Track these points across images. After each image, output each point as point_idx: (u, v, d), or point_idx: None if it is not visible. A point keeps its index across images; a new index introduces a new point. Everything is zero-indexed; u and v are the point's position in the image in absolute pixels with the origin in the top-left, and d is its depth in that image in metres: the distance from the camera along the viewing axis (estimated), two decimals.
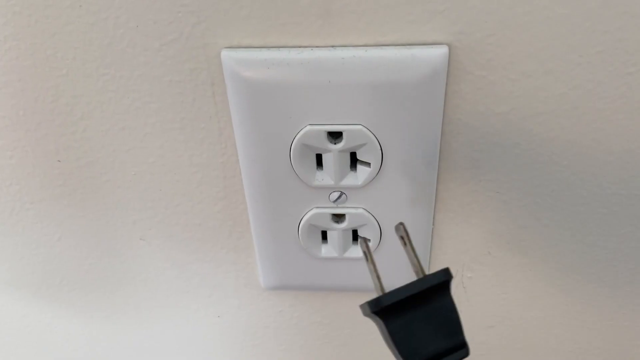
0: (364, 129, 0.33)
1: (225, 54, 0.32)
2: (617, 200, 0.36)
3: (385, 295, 0.26)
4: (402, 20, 0.30)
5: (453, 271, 0.41)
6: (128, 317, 0.47)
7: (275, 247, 0.40)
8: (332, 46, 0.31)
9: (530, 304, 0.42)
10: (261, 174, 0.36)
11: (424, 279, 0.26)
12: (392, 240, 0.38)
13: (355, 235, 0.39)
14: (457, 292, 0.42)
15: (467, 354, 0.26)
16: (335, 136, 0.34)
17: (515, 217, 0.37)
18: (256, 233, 0.39)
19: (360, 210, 0.36)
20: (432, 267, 0.41)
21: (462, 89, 0.32)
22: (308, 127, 0.33)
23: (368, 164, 0.34)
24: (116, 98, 0.35)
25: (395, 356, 0.26)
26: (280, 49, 0.32)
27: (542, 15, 0.29)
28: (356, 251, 0.39)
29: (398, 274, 0.40)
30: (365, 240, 0.31)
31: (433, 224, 0.38)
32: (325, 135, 0.33)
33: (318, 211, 0.37)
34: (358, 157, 0.34)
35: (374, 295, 0.43)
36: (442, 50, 0.30)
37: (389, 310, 0.26)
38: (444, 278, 0.26)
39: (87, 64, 0.34)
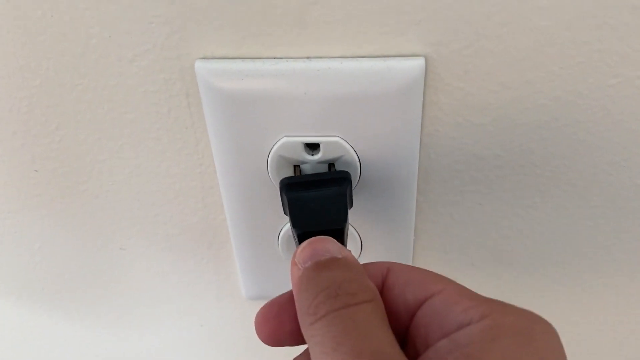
0: (341, 141, 0.32)
1: (199, 65, 0.31)
2: (601, 213, 0.35)
3: (290, 177, 0.32)
4: (378, 31, 0.30)
5: None
6: (110, 325, 0.47)
7: (256, 257, 0.39)
8: (308, 57, 0.31)
9: None
10: (239, 185, 0.35)
11: (328, 172, 0.33)
12: (372, 250, 0.38)
13: None
14: None
15: (340, 235, 0.30)
16: (312, 147, 0.33)
17: (498, 228, 0.37)
18: (236, 244, 0.39)
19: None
20: None
21: (440, 101, 0.32)
22: (285, 139, 0.33)
23: None
24: (91, 108, 0.34)
25: (290, 225, 0.31)
26: (255, 60, 0.31)
27: (520, 26, 0.29)
28: None
29: None
30: None
31: (414, 236, 0.37)
32: (302, 147, 0.33)
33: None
34: (336, 168, 0.34)
35: None
36: (419, 62, 0.30)
37: (291, 187, 0.32)
38: (343, 174, 0.32)
39: (60, 74, 0.33)
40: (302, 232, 0.30)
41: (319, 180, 0.32)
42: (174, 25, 0.31)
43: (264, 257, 0.39)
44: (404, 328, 0.25)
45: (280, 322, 0.27)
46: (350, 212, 0.36)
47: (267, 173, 0.34)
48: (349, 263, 0.25)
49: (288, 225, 0.37)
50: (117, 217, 0.39)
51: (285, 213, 0.32)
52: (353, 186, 0.34)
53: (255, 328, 0.27)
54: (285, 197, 0.31)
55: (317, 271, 0.25)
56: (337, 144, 0.32)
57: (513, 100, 0.31)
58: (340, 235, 0.31)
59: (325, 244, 0.26)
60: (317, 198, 0.31)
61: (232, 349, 0.47)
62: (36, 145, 0.36)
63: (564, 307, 0.41)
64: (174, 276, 0.42)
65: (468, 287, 0.40)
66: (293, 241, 0.37)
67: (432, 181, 0.35)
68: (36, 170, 0.38)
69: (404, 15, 0.29)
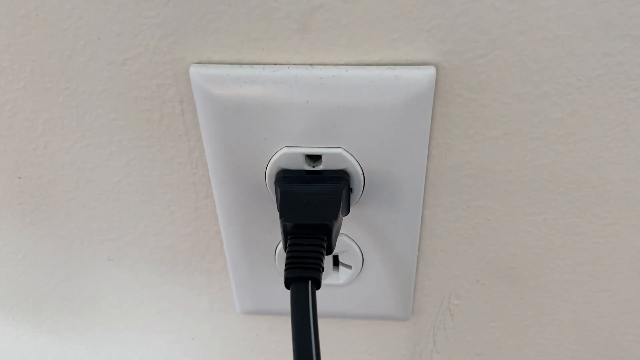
0: (345, 153, 0.30)
1: (193, 70, 0.29)
2: (614, 231, 0.34)
3: (287, 170, 0.31)
4: (386, 38, 0.28)
5: (440, 298, 0.39)
6: (98, 337, 0.45)
7: (251, 271, 0.37)
8: (311, 64, 0.29)
9: (520, 333, 0.40)
10: (234, 196, 0.33)
11: (325, 171, 0.31)
12: (374, 266, 0.36)
13: (335, 261, 0.37)
14: (445, 319, 0.40)
15: (327, 234, 0.29)
16: (314, 159, 0.31)
17: (505, 245, 0.35)
18: (230, 257, 0.37)
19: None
20: (418, 295, 0.38)
21: (450, 112, 0.30)
22: (284, 149, 0.31)
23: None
24: (79, 114, 0.32)
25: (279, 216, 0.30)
26: (254, 66, 0.29)
27: (538, 35, 0.27)
28: (335, 278, 0.37)
29: (380, 301, 0.38)
30: None
31: (419, 250, 0.36)
32: (303, 158, 0.31)
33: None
34: None
35: (354, 322, 0.41)
36: (429, 72, 0.28)
37: (286, 179, 0.31)
38: (340, 174, 0.31)
39: (46, 77, 0.31)
40: (288, 224, 0.29)
41: (315, 176, 0.31)
42: (168, 27, 0.29)
43: (260, 271, 0.37)
44: None
45: None
46: (352, 226, 0.34)
47: (265, 185, 0.32)
48: None
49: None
50: (105, 228, 0.37)
51: (277, 208, 0.31)
52: (356, 199, 0.32)
53: None
54: (278, 188, 0.31)
55: None
56: (339, 155, 0.30)
57: (527, 113, 0.29)
58: (327, 233, 0.29)
59: None
60: (309, 192, 0.30)
61: None
62: (20, 152, 0.34)
63: (573, 327, 0.39)
64: (164, 288, 0.41)
65: (472, 304, 0.38)
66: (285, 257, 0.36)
67: (439, 195, 0.33)
68: (20, 177, 0.35)
69: (414, 21, 0.27)
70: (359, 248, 0.35)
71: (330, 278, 0.37)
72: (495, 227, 0.34)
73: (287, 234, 0.30)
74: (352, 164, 0.31)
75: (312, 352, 0.26)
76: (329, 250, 0.30)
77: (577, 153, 0.31)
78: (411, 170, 0.31)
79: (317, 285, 0.29)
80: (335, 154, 0.30)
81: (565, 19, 0.26)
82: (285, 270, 0.29)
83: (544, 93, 0.29)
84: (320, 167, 0.31)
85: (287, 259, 0.29)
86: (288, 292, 0.38)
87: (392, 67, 0.28)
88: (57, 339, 0.46)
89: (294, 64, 0.29)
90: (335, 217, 0.30)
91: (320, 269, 0.29)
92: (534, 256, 0.35)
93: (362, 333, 0.42)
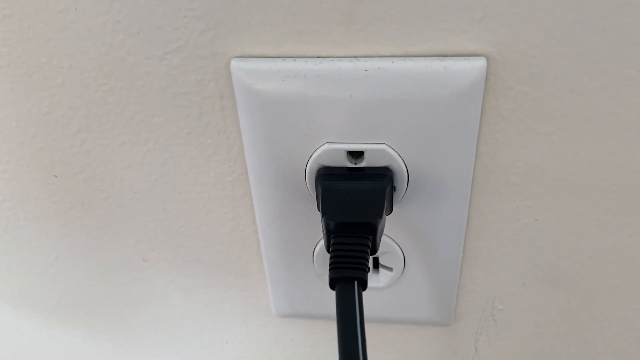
0: (388, 149, 0.29)
1: (235, 65, 0.29)
2: None
3: (327, 167, 0.30)
4: (435, 28, 0.27)
5: (483, 303, 0.37)
6: (130, 341, 0.44)
7: (288, 273, 0.36)
8: (355, 57, 0.28)
9: (567, 341, 0.38)
10: (273, 195, 0.32)
11: (367, 167, 0.30)
12: (416, 268, 0.35)
13: (375, 263, 0.35)
14: (488, 324, 0.38)
15: (372, 232, 0.28)
16: (355, 155, 0.30)
17: (555, 247, 0.34)
18: (267, 258, 0.36)
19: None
20: (461, 299, 0.37)
21: (500, 106, 0.28)
22: (326, 146, 0.30)
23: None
24: (116, 110, 0.32)
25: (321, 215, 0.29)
26: (297, 59, 0.28)
27: (596, 25, 0.26)
28: (375, 280, 0.35)
29: (421, 305, 0.37)
30: None
31: (463, 253, 0.34)
32: (345, 155, 0.30)
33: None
34: None
35: (392, 326, 0.39)
36: (480, 63, 0.27)
37: (327, 177, 0.30)
38: (384, 171, 0.30)
39: (84, 73, 0.31)
40: (332, 223, 0.28)
41: (357, 174, 0.30)
42: (209, 20, 0.28)
43: (297, 273, 0.36)
44: None
45: None
46: (394, 226, 0.33)
47: (305, 183, 0.31)
48: None
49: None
50: (140, 228, 0.37)
51: (318, 207, 0.30)
52: (399, 198, 0.31)
53: None
54: (319, 186, 0.30)
55: None
56: (383, 152, 0.29)
57: (582, 108, 0.28)
58: (372, 232, 0.28)
59: None
60: (351, 190, 0.29)
61: None
62: (56, 149, 0.34)
63: (624, 335, 0.37)
64: (199, 290, 0.40)
65: (516, 309, 0.37)
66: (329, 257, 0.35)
67: (487, 195, 0.32)
68: (55, 176, 0.35)
69: (464, 10, 0.26)
70: (401, 249, 0.34)
71: (370, 280, 0.35)
72: (544, 228, 0.33)
73: (330, 232, 0.29)
74: (396, 161, 0.30)
75: (359, 356, 0.25)
76: (374, 250, 0.29)
77: (633, 150, 0.29)
78: (458, 168, 0.30)
79: (363, 286, 0.27)
80: (379, 150, 0.29)
81: (626, 5, 0.25)
82: (330, 270, 0.28)
83: (600, 86, 0.27)
84: (363, 164, 0.30)
85: (331, 258, 0.28)
86: (325, 294, 0.37)
87: (440, 58, 0.27)
88: (89, 341, 0.45)
89: (337, 57, 0.28)
90: (380, 215, 0.28)
91: (366, 269, 0.28)
92: (585, 259, 0.34)
93: (400, 338, 0.40)
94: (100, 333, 0.44)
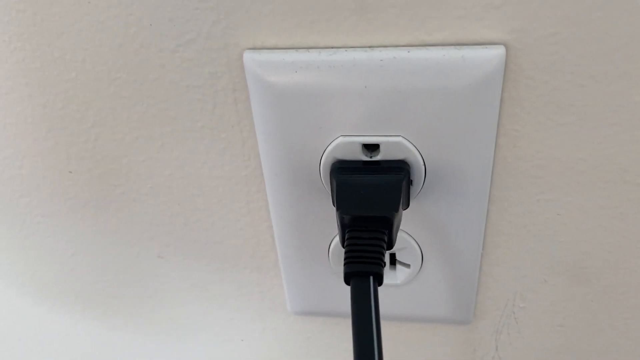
0: (405, 141, 0.29)
1: (247, 56, 0.28)
2: None
3: (342, 161, 0.29)
4: (452, 16, 0.26)
5: (504, 300, 0.36)
6: (145, 337, 0.44)
7: (304, 269, 0.36)
8: (370, 46, 0.27)
9: (590, 338, 0.37)
10: (287, 189, 0.32)
11: (383, 161, 0.29)
12: (434, 265, 0.34)
13: (392, 259, 0.35)
14: (508, 322, 0.37)
15: (388, 227, 0.28)
16: (371, 149, 0.30)
17: (577, 242, 0.33)
18: (282, 254, 0.35)
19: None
20: (481, 297, 0.36)
21: (520, 96, 0.28)
22: (340, 139, 0.29)
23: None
24: (129, 104, 0.31)
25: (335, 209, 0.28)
26: (310, 50, 0.28)
27: (618, 9, 0.25)
28: (392, 277, 0.35)
29: (440, 303, 0.36)
30: None
31: (482, 248, 0.34)
32: (360, 148, 0.29)
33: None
34: None
35: (411, 324, 0.39)
36: (498, 51, 0.26)
37: (342, 170, 0.29)
38: (400, 164, 0.29)
39: (97, 66, 0.30)
40: (346, 217, 0.28)
41: (372, 167, 0.29)
42: (221, 11, 0.28)
43: (313, 269, 0.36)
44: None
45: None
46: (411, 222, 0.32)
47: (320, 176, 0.31)
48: None
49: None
50: (155, 223, 0.36)
51: (332, 202, 0.29)
52: (416, 192, 0.30)
53: None
54: (333, 180, 0.29)
55: None
56: (399, 144, 0.29)
57: (605, 97, 0.27)
58: (387, 226, 0.27)
59: None
60: (367, 184, 0.28)
61: None
62: (71, 144, 0.34)
63: None
64: (214, 287, 0.39)
65: (538, 306, 0.36)
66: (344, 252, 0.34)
67: (507, 188, 0.31)
68: (70, 172, 0.35)
69: None
70: (418, 245, 0.33)
71: (387, 277, 0.35)
72: (567, 222, 0.32)
73: (344, 227, 0.28)
74: (412, 154, 0.29)
75: (375, 351, 0.25)
76: (390, 245, 0.28)
77: None
78: (477, 161, 0.29)
79: (379, 280, 0.27)
80: (395, 143, 0.29)
81: None
82: (344, 264, 0.27)
83: (623, 73, 0.26)
84: (378, 158, 0.29)
85: (346, 252, 0.27)
86: (341, 291, 0.36)
87: (458, 47, 0.26)
88: (104, 337, 0.45)
89: (351, 47, 0.28)
90: (396, 209, 0.28)
91: (382, 263, 0.27)
92: (608, 254, 0.33)
93: (419, 336, 0.40)
94: (116, 328, 0.44)
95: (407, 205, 0.30)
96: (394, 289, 0.36)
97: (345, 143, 0.29)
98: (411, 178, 0.30)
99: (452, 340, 0.39)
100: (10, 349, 0.48)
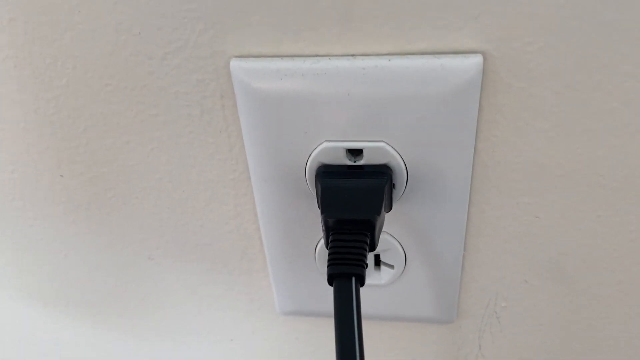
0: (387, 147, 0.30)
1: (234, 64, 0.29)
2: None
3: (327, 165, 0.30)
4: (431, 26, 0.27)
5: (486, 300, 0.37)
6: (137, 338, 0.45)
7: (291, 270, 0.37)
8: (352, 55, 0.28)
9: (571, 337, 0.38)
10: (274, 193, 0.33)
11: (366, 165, 0.30)
12: (418, 266, 0.35)
13: (377, 261, 0.36)
14: (491, 321, 0.38)
15: (370, 229, 0.28)
16: (355, 153, 0.31)
17: (556, 244, 0.34)
18: (270, 256, 0.36)
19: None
20: (463, 297, 0.37)
21: (498, 103, 0.29)
22: (325, 144, 0.30)
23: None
24: (120, 110, 0.32)
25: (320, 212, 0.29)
26: (295, 58, 0.29)
27: (592, 20, 0.26)
28: (377, 277, 0.36)
29: (423, 302, 0.37)
30: None
31: (464, 250, 0.34)
32: (344, 153, 0.30)
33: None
34: None
35: (395, 324, 0.40)
36: (476, 60, 0.27)
37: (326, 174, 0.30)
38: (383, 169, 0.30)
39: (88, 73, 0.31)
40: (330, 220, 0.29)
41: (356, 171, 0.30)
42: (208, 20, 0.28)
43: (300, 271, 0.37)
44: None
45: None
46: (394, 224, 0.33)
47: (305, 180, 0.32)
48: None
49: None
50: (146, 226, 0.37)
51: (318, 205, 0.30)
52: (398, 195, 0.31)
53: None
54: (318, 184, 0.30)
55: None
56: (382, 149, 0.30)
57: (580, 103, 0.28)
58: (370, 229, 0.28)
59: None
60: (351, 188, 0.29)
61: None
62: (62, 149, 0.34)
63: (627, 332, 0.37)
64: (204, 288, 0.40)
65: (519, 306, 0.37)
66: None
67: (486, 192, 0.32)
68: (62, 176, 0.36)
69: (460, 8, 0.26)
70: (402, 247, 0.34)
71: (371, 278, 0.36)
72: (545, 224, 0.33)
73: (328, 229, 0.29)
74: (394, 158, 0.30)
75: (356, 351, 0.25)
76: (372, 247, 0.29)
77: (632, 145, 0.29)
78: (457, 165, 0.30)
79: (361, 281, 0.28)
80: (377, 148, 0.30)
81: (622, 2, 0.25)
82: (328, 266, 0.28)
83: (597, 82, 0.27)
84: (362, 162, 0.30)
85: (329, 254, 0.28)
86: (328, 292, 0.37)
87: (437, 56, 0.27)
88: (97, 338, 0.46)
89: (335, 55, 0.28)
90: (378, 212, 0.29)
91: (364, 265, 0.28)
92: (586, 256, 0.34)
93: (403, 336, 0.40)
94: (108, 330, 0.45)
95: (389, 208, 0.31)
96: (379, 289, 0.36)
97: (329, 148, 0.30)
98: (393, 182, 0.31)
99: (436, 339, 0.40)
100: (2, 351, 0.49)
